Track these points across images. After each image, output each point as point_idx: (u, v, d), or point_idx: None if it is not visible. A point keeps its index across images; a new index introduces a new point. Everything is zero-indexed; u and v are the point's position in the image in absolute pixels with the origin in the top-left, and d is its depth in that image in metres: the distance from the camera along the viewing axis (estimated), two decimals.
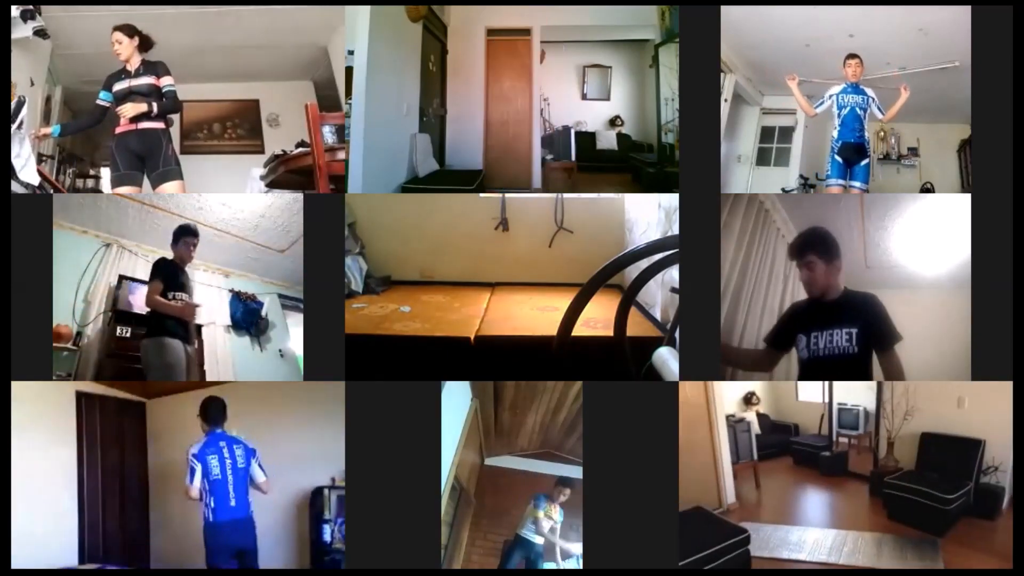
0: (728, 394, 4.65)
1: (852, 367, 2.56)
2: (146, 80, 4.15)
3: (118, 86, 4.16)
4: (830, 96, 4.32)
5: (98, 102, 4.21)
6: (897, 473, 4.40)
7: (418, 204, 5.53)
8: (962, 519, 4.02)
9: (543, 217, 5.57)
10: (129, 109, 4.08)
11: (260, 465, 3.54)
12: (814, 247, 2.67)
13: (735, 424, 4.58)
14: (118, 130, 4.17)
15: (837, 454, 5.10)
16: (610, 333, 2.60)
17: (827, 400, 5.20)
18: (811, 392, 5.56)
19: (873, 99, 4.29)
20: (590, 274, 2.01)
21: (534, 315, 4.53)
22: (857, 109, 4.29)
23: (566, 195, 5.64)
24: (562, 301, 2.11)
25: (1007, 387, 3.08)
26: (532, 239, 5.54)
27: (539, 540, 4.39)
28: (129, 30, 4.15)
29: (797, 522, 4.18)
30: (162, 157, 4.16)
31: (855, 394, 5.04)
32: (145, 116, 4.11)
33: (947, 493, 3.98)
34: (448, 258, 5.54)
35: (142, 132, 4.13)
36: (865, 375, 2.60)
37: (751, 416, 4.84)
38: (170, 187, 4.18)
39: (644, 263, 2.33)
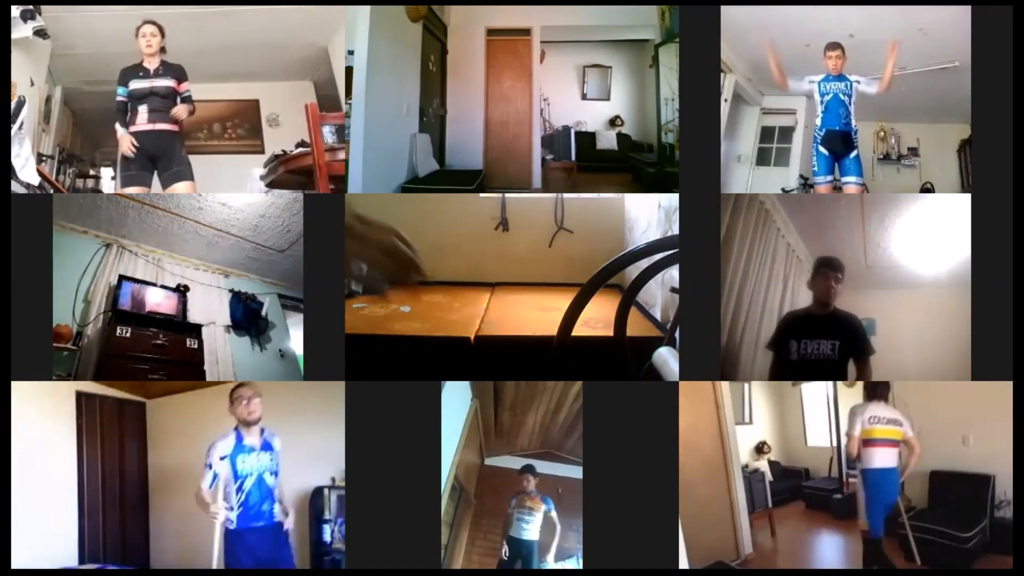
0: (742, 445, 4.64)
1: (831, 370, 3.10)
2: (166, 83, 4.16)
3: (136, 84, 4.15)
4: (811, 81, 4.10)
5: (119, 98, 4.22)
6: (911, 512, 4.33)
7: (418, 205, 5.52)
8: (981, 556, 3.90)
9: (543, 217, 5.56)
10: (183, 111, 4.16)
11: None
12: (842, 269, 3.15)
13: (750, 475, 4.56)
14: (133, 129, 4.18)
15: (848, 495, 5.04)
16: (610, 333, 2.59)
17: (834, 443, 5.20)
18: (819, 437, 5.57)
19: (858, 81, 4.05)
20: (590, 274, 2.01)
21: (535, 315, 4.51)
22: (840, 95, 4.04)
23: (566, 195, 5.63)
24: (563, 301, 2.11)
25: (1007, 422, 3.07)
26: (532, 239, 5.54)
27: (529, 536, 4.35)
28: (160, 27, 4.17)
29: (815, 567, 4.14)
30: (175, 158, 4.19)
31: None
32: (166, 118, 4.14)
33: (964, 531, 3.88)
34: (448, 258, 5.53)
35: (159, 134, 4.15)
36: (841, 376, 3.16)
37: (763, 465, 4.85)
38: (181, 187, 4.20)
39: (644, 263, 2.33)
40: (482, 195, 5.60)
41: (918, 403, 4.11)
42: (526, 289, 5.28)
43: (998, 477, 4.03)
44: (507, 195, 5.59)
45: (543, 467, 5.73)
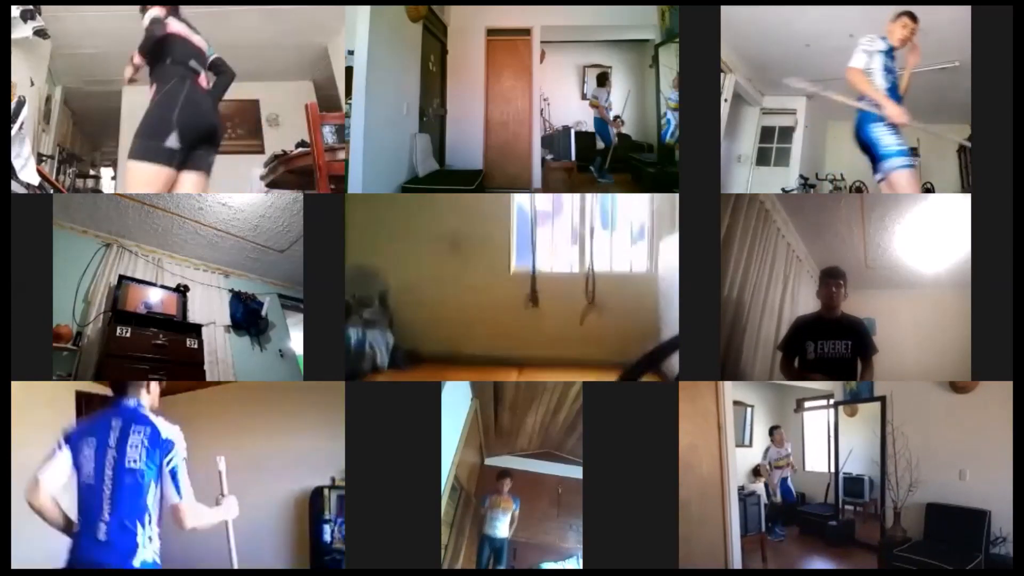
0: (740, 467, 4.65)
1: (843, 367, 3.42)
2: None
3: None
4: (877, 51, 3.47)
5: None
6: (906, 544, 4.30)
7: (447, 275, 5.19)
8: None
9: (574, 292, 5.31)
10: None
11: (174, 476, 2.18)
12: (843, 276, 3.42)
13: (745, 497, 4.54)
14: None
15: (844, 522, 5.02)
16: None
17: (833, 470, 5.22)
18: (817, 462, 5.54)
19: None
20: (622, 352, 1.95)
21: None
22: (899, 82, 3.53)
23: (597, 271, 5.25)
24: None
25: (1007, 459, 3.13)
26: (562, 315, 5.28)
27: (501, 534, 4.82)
28: None
29: None
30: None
31: (860, 464, 5.04)
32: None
33: (958, 566, 3.84)
34: (475, 334, 5.22)
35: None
36: (852, 373, 3.51)
37: (759, 487, 4.87)
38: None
39: None
40: (512, 270, 5.33)
41: (917, 436, 4.23)
42: (555, 368, 5.02)
43: (994, 513, 4.00)
44: (538, 271, 5.26)
45: (542, 467, 5.76)
